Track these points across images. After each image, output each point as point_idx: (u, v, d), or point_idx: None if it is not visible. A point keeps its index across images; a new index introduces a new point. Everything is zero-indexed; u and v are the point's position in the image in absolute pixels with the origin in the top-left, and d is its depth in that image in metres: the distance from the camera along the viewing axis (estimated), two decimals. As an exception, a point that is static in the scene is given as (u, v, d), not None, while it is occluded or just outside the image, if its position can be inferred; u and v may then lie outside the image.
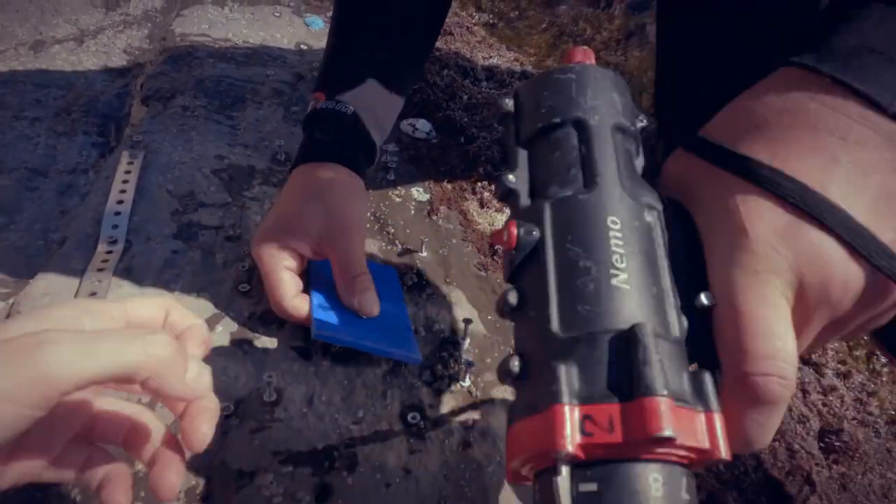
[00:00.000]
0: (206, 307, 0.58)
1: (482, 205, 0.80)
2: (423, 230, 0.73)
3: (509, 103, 0.34)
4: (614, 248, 0.28)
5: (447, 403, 0.54)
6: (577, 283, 0.27)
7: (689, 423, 0.24)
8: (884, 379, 0.62)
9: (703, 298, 0.29)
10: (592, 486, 0.24)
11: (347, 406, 0.52)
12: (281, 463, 0.46)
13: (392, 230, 0.72)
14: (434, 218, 0.76)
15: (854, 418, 0.55)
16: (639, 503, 0.23)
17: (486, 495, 0.47)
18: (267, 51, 1.04)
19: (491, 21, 1.38)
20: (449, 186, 0.82)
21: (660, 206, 0.31)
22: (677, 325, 0.28)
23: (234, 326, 0.57)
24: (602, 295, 0.27)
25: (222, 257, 0.64)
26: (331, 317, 0.53)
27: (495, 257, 0.72)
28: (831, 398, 0.57)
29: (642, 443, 0.23)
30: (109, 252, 0.61)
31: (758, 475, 0.51)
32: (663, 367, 0.25)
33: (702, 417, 0.25)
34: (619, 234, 0.28)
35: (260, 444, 0.47)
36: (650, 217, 0.29)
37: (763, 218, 0.28)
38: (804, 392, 0.57)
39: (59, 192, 0.71)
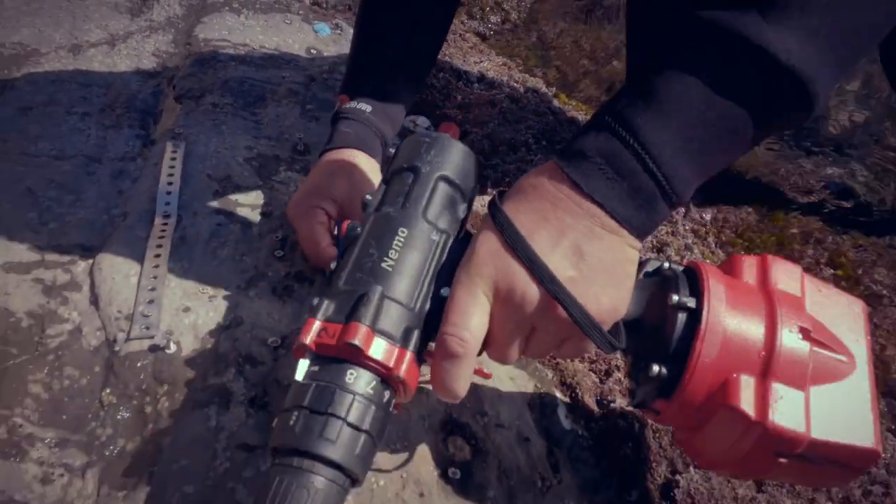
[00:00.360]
0: (249, 268, 0.70)
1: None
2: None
3: (392, 151, 0.50)
4: (394, 247, 0.43)
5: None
6: (363, 261, 0.43)
7: (382, 349, 0.40)
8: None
9: (443, 291, 0.44)
10: (316, 368, 0.40)
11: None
12: (321, 380, 0.58)
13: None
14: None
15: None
16: (337, 383, 0.39)
17: (480, 404, 0.60)
18: (281, 55, 1.16)
19: (481, 30, 1.51)
20: (446, 174, 0.94)
21: (452, 231, 0.46)
22: (419, 302, 0.43)
23: (274, 283, 0.69)
24: (372, 270, 0.42)
25: (258, 229, 0.76)
26: None
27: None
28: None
29: (345, 349, 0.39)
30: (165, 224, 0.73)
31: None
32: (378, 313, 0.40)
33: (395, 349, 0.40)
34: (402, 240, 0.43)
35: (304, 367, 0.59)
36: (436, 237, 0.45)
37: (486, 243, 0.42)
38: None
39: (114, 175, 0.83)
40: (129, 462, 0.52)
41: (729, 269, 0.50)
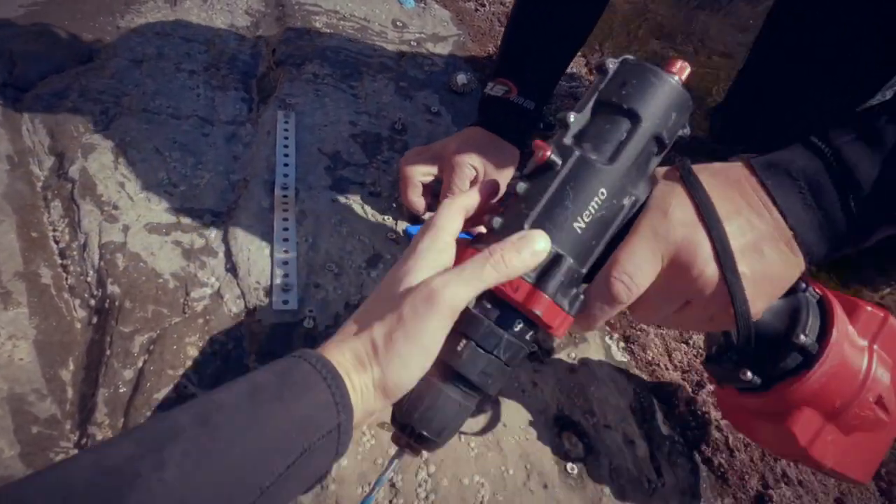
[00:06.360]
0: (367, 248, 0.74)
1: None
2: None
3: (612, 65, 0.44)
4: (590, 208, 0.41)
5: (556, 340, 0.71)
6: (556, 211, 0.41)
7: (557, 318, 0.42)
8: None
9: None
10: (489, 305, 0.42)
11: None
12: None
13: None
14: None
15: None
16: (497, 326, 0.41)
17: (589, 403, 0.64)
18: (370, 26, 1.17)
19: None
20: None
21: (642, 195, 0.44)
22: (589, 265, 0.43)
23: (391, 265, 0.72)
24: (564, 227, 0.41)
25: (370, 209, 0.79)
26: None
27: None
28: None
29: (524, 308, 0.41)
30: (286, 197, 0.76)
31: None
32: (562, 285, 0.41)
33: (563, 315, 0.42)
34: (599, 202, 0.42)
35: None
36: (627, 201, 0.43)
37: (682, 210, 0.42)
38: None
39: (226, 139, 0.85)
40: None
41: (849, 309, 0.53)
